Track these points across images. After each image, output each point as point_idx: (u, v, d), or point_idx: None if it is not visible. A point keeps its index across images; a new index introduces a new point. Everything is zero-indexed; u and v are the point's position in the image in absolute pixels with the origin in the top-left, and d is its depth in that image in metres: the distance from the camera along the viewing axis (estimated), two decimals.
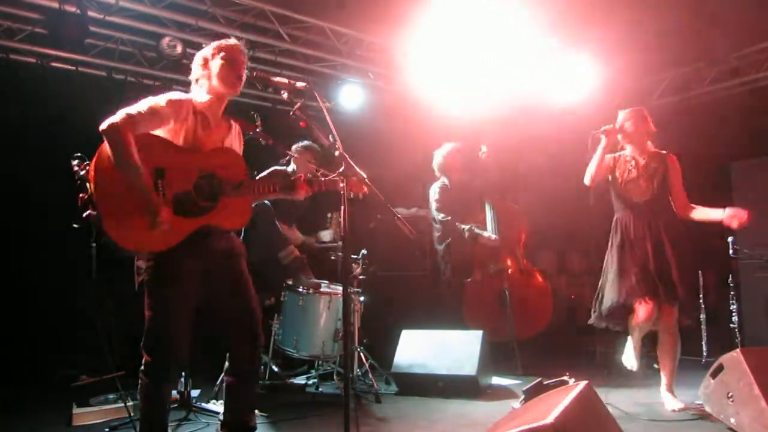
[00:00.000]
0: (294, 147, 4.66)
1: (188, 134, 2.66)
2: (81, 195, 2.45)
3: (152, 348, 2.62)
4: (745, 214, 3.64)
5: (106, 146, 2.46)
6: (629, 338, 3.98)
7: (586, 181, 3.98)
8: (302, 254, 4.56)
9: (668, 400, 3.83)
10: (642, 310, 3.77)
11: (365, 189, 2.80)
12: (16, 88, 5.09)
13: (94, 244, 2.45)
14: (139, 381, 2.66)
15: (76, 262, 5.05)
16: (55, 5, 4.72)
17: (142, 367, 2.65)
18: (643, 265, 3.78)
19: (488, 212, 5.53)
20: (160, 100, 2.60)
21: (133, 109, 2.50)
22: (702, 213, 3.81)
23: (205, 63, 2.76)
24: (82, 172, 2.48)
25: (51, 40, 4.99)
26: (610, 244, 4.01)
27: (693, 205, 3.87)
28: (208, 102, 2.76)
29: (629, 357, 3.98)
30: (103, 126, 2.42)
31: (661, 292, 3.73)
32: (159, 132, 2.61)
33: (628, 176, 3.95)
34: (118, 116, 2.45)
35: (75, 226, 2.46)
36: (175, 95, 2.67)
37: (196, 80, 2.79)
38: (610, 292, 3.87)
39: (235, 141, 2.92)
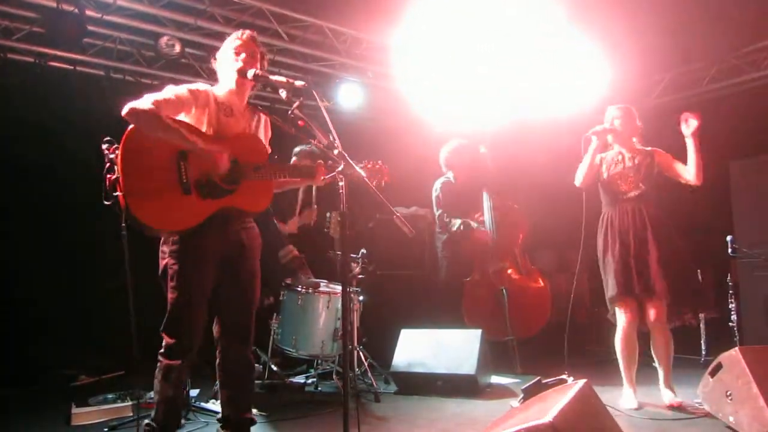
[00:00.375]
0: (294, 150, 4.69)
1: (212, 120, 2.75)
2: (109, 176, 2.53)
3: (174, 329, 2.67)
4: (689, 114, 3.79)
5: (132, 129, 2.55)
6: (624, 379, 3.91)
7: (577, 183, 4.00)
8: (301, 253, 4.56)
9: (666, 394, 3.84)
10: (623, 314, 3.83)
11: (386, 178, 2.92)
12: (14, 87, 5.09)
13: (124, 224, 2.52)
14: (158, 364, 2.68)
15: (74, 260, 5.08)
16: (53, 4, 4.71)
17: (162, 350, 2.68)
18: (624, 260, 3.80)
19: (485, 203, 5.53)
20: (181, 87, 2.71)
21: (158, 95, 2.60)
22: (689, 159, 3.88)
23: (219, 56, 2.90)
24: (112, 156, 2.55)
25: (49, 39, 4.98)
26: (598, 241, 4.01)
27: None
28: (228, 92, 2.86)
29: (628, 397, 3.86)
30: (126, 109, 2.49)
31: (638, 289, 3.75)
32: (182, 118, 2.68)
33: (615, 170, 3.99)
34: (142, 100, 2.54)
35: (107, 203, 2.53)
36: (195, 85, 2.77)
37: (216, 73, 2.92)
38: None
39: (260, 130, 3.00)
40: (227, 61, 2.84)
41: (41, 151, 5.10)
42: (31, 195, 5.06)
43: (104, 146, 2.56)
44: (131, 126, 2.54)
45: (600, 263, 3.98)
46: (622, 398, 3.89)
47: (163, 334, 2.69)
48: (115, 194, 2.50)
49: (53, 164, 5.09)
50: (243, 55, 2.81)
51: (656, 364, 3.92)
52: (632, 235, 3.82)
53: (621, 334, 3.88)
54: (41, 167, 5.10)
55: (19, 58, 5.25)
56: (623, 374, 3.93)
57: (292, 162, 4.76)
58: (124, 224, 2.53)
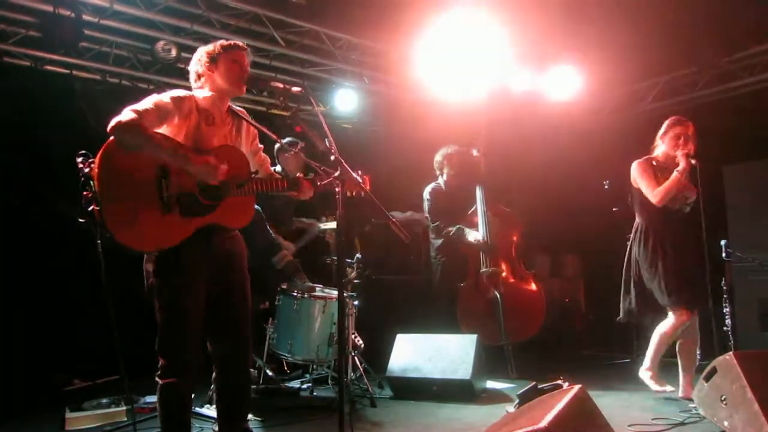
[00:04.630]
0: (276, 147, 4.67)
1: (191, 131, 2.67)
2: (85, 192, 2.44)
3: (167, 349, 2.61)
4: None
5: (111, 143, 2.48)
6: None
7: (658, 202, 4.02)
8: (296, 258, 4.56)
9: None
10: (678, 314, 4.07)
11: (367, 187, 2.82)
12: (10, 90, 5.07)
13: (99, 241, 2.45)
14: (157, 385, 2.62)
15: (69, 263, 5.06)
16: (50, 8, 4.71)
17: (158, 371, 2.62)
18: (688, 270, 4.02)
19: (479, 199, 5.53)
20: (163, 96, 2.61)
21: (139, 105, 2.52)
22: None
23: (211, 61, 2.76)
24: (87, 170, 2.46)
25: (45, 43, 4.98)
26: (645, 252, 4.13)
27: None
28: (210, 99, 2.77)
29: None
30: (111, 124, 2.43)
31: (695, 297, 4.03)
32: (163, 129, 2.61)
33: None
34: (124, 114, 2.47)
35: (81, 220, 2.44)
36: (178, 92, 2.68)
37: (199, 76, 2.79)
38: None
39: (242, 136, 2.92)
40: (224, 71, 2.74)
41: (37, 153, 5.09)
42: (26, 197, 5.04)
43: (79, 160, 2.46)
44: (109, 139, 2.46)
45: (650, 272, 4.10)
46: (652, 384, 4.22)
47: (158, 356, 2.63)
48: (90, 210, 2.42)
49: (50, 168, 5.07)
50: (245, 69, 2.76)
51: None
52: (683, 247, 4.04)
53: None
54: (37, 171, 5.08)
55: (15, 62, 5.25)
56: (653, 362, 4.23)
57: (278, 158, 4.75)
58: (99, 241, 2.45)
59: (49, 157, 5.08)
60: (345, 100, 6.46)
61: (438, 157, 5.65)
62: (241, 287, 2.83)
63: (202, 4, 5.17)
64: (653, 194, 4.03)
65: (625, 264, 4.28)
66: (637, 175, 4.15)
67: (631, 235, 4.25)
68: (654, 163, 4.18)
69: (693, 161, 3.98)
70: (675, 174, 3.98)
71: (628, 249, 4.25)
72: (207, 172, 2.57)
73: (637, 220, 4.24)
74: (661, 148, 4.21)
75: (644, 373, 4.24)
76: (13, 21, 4.96)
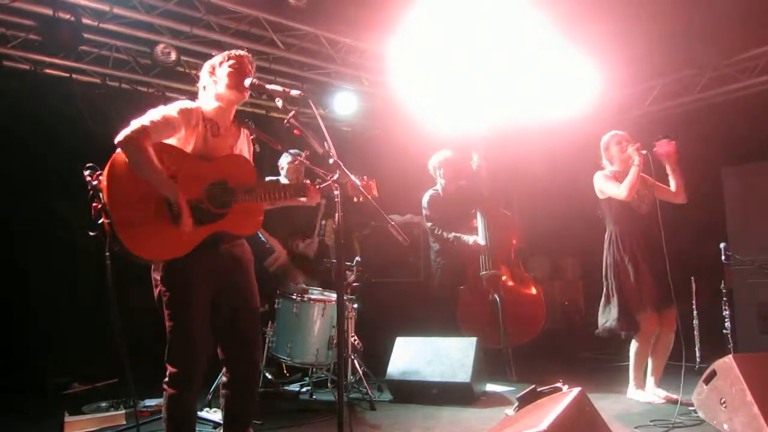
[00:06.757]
0: (281, 159, 4.69)
1: (198, 142, 2.67)
2: (94, 204, 2.44)
3: (176, 358, 2.61)
4: (665, 143, 4.14)
5: (118, 156, 2.48)
6: (635, 381, 4.25)
7: (627, 195, 4.10)
8: (290, 258, 4.57)
9: (661, 392, 4.19)
10: (648, 322, 4.11)
11: (374, 192, 2.81)
12: (10, 94, 5.08)
13: (108, 254, 2.44)
14: (164, 393, 2.62)
15: (68, 267, 5.07)
16: (49, 12, 4.72)
17: (166, 379, 2.62)
18: (657, 273, 4.05)
19: (480, 221, 5.52)
20: (170, 109, 2.62)
21: (146, 119, 2.52)
22: (672, 183, 4.25)
23: (213, 70, 2.78)
24: (95, 182, 2.45)
25: (45, 47, 4.99)
26: (614, 257, 4.23)
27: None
28: (216, 109, 2.78)
29: (648, 394, 4.22)
30: (119, 138, 2.44)
31: (665, 297, 4.03)
32: (170, 141, 2.62)
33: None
34: (132, 127, 2.46)
35: (91, 234, 2.44)
36: (185, 104, 2.69)
37: (204, 87, 2.81)
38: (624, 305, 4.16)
39: (245, 146, 2.93)
40: (224, 77, 2.73)
41: (37, 157, 5.09)
42: (26, 200, 5.05)
43: (86, 173, 2.45)
44: (117, 152, 2.46)
45: (618, 277, 4.20)
46: (643, 396, 4.19)
47: (167, 364, 2.62)
48: (100, 222, 2.41)
49: (49, 170, 5.08)
50: (245, 73, 2.75)
51: (649, 368, 4.20)
52: (654, 250, 4.06)
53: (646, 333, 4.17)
54: (37, 173, 5.09)
55: (15, 66, 5.26)
56: (637, 378, 4.24)
57: (283, 169, 4.77)
58: (108, 253, 2.43)
59: (48, 161, 5.09)
60: (344, 103, 6.47)
61: (433, 163, 5.61)
62: (247, 292, 2.82)
63: (202, 8, 5.18)
64: (620, 191, 4.12)
65: (604, 274, 4.35)
66: (601, 183, 4.27)
67: (605, 246, 4.33)
68: (611, 174, 4.31)
69: (644, 151, 4.08)
70: (633, 168, 4.09)
71: (604, 260, 4.33)
72: (179, 224, 2.52)
73: (608, 229, 4.33)
74: (610, 165, 4.35)
75: (634, 393, 4.24)
76: (13, 25, 4.97)
